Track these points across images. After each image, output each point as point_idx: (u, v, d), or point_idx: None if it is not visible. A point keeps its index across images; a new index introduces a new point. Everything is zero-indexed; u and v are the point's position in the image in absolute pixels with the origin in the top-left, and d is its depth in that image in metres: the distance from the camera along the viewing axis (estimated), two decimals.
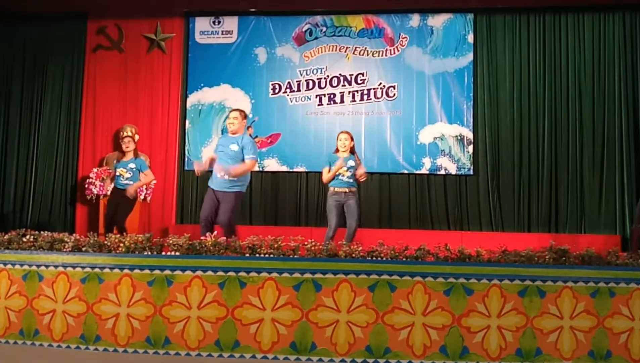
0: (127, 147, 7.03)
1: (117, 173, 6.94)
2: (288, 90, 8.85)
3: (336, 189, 6.51)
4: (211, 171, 6.14)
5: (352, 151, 6.66)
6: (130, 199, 6.90)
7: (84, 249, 4.66)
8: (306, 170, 8.74)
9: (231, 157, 5.92)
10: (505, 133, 8.48)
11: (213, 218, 5.95)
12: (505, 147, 8.47)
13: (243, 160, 5.94)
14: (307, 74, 8.84)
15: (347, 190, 6.48)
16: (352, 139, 6.67)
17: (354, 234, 6.40)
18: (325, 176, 6.60)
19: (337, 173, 6.47)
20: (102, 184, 8.26)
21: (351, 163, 6.52)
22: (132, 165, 6.93)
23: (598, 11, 8.42)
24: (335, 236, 6.32)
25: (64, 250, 4.67)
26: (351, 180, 6.51)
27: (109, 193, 8.07)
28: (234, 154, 5.92)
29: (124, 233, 6.44)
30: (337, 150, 6.67)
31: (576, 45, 8.46)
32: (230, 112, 6.28)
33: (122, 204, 6.87)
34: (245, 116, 6.20)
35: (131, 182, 6.88)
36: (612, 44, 8.35)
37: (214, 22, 9.07)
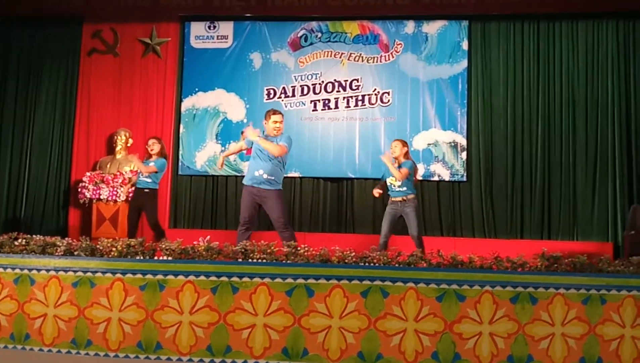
0: (152, 150, 7.11)
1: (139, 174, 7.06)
2: (283, 95, 8.86)
3: (392, 198, 6.52)
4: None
5: (407, 156, 6.60)
6: (152, 196, 7.03)
7: (76, 253, 4.65)
8: (300, 175, 8.74)
9: (268, 156, 5.84)
10: (499, 140, 8.51)
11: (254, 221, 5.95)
12: (498, 154, 8.50)
13: (283, 161, 5.96)
14: (302, 80, 8.85)
15: (401, 199, 6.45)
16: (403, 145, 6.62)
17: (420, 242, 6.31)
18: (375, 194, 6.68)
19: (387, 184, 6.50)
20: (95, 188, 8.24)
21: (404, 169, 6.47)
22: (152, 164, 7.04)
23: (592, 19, 8.47)
24: (389, 243, 6.33)
25: (56, 253, 4.66)
26: (404, 188, 6.45)
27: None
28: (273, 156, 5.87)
29: (163, 234, 6.47)
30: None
31: (570, 52, 8.50)
32: (274, 114, 5.96)
33: (146, 204, 7.01)
34: None
35: (149, 179, 7.00)
36: (606, 52, 8.40)
37: (209, 27, 9.08)
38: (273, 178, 5.84)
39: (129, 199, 7.45)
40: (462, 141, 8.52)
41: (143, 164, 7.03)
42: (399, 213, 6.48)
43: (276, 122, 5.93)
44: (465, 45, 8.64)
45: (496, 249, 4.61)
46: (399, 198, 6.47)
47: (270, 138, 5.91)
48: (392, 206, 6.53)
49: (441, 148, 8.53)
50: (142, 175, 7.03)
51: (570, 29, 8.53)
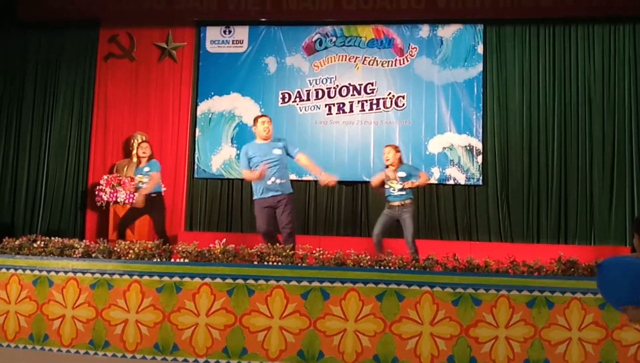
0: (145, 153, 7.07)
1: (137, 180, 6.98)
2: (297, 99, 8.88)
3: (390, 202, 6.52)
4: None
5: (401, 161, 6.67)
6: (160, 201, 6.96)
7: (93, 255, 4.71)
8: (314, 179, 8.75)
9: (276, 161, 5.95)
10: (515, 144, 8.47)
11: (275, 230, 5.92)
12: (514, 157, 8.46)
13: (285, 161, 6.08)
14: (316, 84, 8.87)
15: (400, 203, 6.46)
16: (396, 151, 6.67)
17: (415, 248, 6.28)
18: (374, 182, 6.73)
19: (385, 185, 6.52)
20: (112, 191, 8.31)
21: (402, 174, 6.51)
22: (147, 169, 6.98)
23: (608, 22, 8.41)
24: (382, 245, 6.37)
25: (74, 255, 4.72)
26: (403, 193, 6.47)
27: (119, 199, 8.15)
28: (279, 158, 5.98)
29: (168, 242, 6.45)
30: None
31: (586, 56, 8.45)
32: (260, 117, 6.16)
33: (154, 209, 6.92)
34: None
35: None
36: (622, 55, 8.34)
37: (224, 32, 9.13)
38: (284, 181, 6.03)
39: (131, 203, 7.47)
40: (478, 144, 8.49)
41: (144, 176, 6.95)
42: (396, 217, 6.50)
43: (264, 123, 6.07)
44: (480, 49, 8.62)
45: (512, 253, 4.60)
46: (398, 203, 6.47)
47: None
48: (390, 210, 6.53)
49: (456, 151, 8.50)
50: (143, 182, 6.87)
51: (586, 32, 8.48)
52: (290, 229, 5.82)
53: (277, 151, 6.01)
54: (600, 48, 8.41)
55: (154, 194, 6.91)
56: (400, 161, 6.68)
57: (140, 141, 7.72)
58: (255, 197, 5.99)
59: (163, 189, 7.25)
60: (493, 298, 4.14)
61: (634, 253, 2.80)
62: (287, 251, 4.58)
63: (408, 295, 4.18)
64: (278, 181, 5.91)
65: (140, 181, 6.94)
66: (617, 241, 8.06)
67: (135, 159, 8.71)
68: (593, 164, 8.26)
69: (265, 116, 6.25)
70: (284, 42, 8.99)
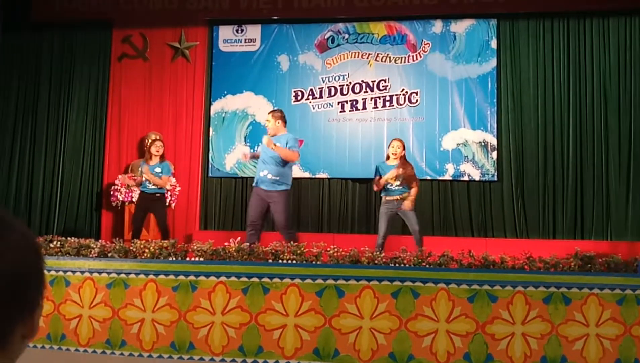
0: (158, 151, 7.16)
1: (144, 178, 7.07)
2: (310, 97, 8.88)
3: (387, 197, 6.55)
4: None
5: (403, 159, 6.69)
6: (162, 201, 7.14)
7: (109, 255, 4.74)
8: (328, 176, 8.75)
9: (274, 157, 6.00)
10: (530, 139, 8.41)
11: (262, 222, 6.02)
12: (529, 153, 8.40)
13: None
14: (329, 81, 8.86)
15: (397, 198, 6.49)
16: (404, 147, 6.72)
17: (420, 238, 6.38)
18: (375, 187, 6.74)
19: (386, 182, 6.54)
20: (127, 191, 8.36)
21: (400, 171, 6.55)
22: (158, 169, 7.10)
23: (624, 15, 8.32)
24: (385, 244, 6.40)
25: (90, 255, 4.75)
26: (401, 187, 6.53)
27: (134, 199, 8.21)
28: (276, 154, 6.00)
29: (168, 235, 6.67)
30: (387, 157, 6.74)
31: (601, 50, 8.36)
32: (269, 113, 6.46)
33: (157, 209, 7.12)
34: (280, 116, 6.28)
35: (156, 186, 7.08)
36: (638, 48, 8.24)
37: (237, 31, 9.15)
38: (278, 178, 5.98)
39: (137, 201, 7.61)
40: (492, 140, 8.43)
41: (155, 176, 7.04)
42: (394, 210, 6.53)
43: (267, 120, 6.27)
44: (494, 44, 8.56)
45: (528, 249, 4.57)
46: (396, 197, 6.50)
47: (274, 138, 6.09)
48: (387, 206, 6.56)
49: (471, 147, 8.45)
50: (150, 183, 7.04)
51: (601, 25, 8.39)
52: (289, 233, 5.80)
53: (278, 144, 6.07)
54: (616, 41, 8.32)
55: (158, 194, 7.09)
56: (403, 158, 6.68)
57: (153, 139, 7.80)
58: (253, 184, 6.16)
59: (177, 188, 7.33)
60: (509, 295, 4.11)
61: None
62: (301, 249, 4.58)
63: (423, 292, 4.16)
64: (269, 176, 5.96)
65: (146, 179, 7.01)
66: (635, 236, 7.98)
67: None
68: (609, 158, 8.18)
69: (273, 111, 6.39)
70: (296, 40, 8.98)
